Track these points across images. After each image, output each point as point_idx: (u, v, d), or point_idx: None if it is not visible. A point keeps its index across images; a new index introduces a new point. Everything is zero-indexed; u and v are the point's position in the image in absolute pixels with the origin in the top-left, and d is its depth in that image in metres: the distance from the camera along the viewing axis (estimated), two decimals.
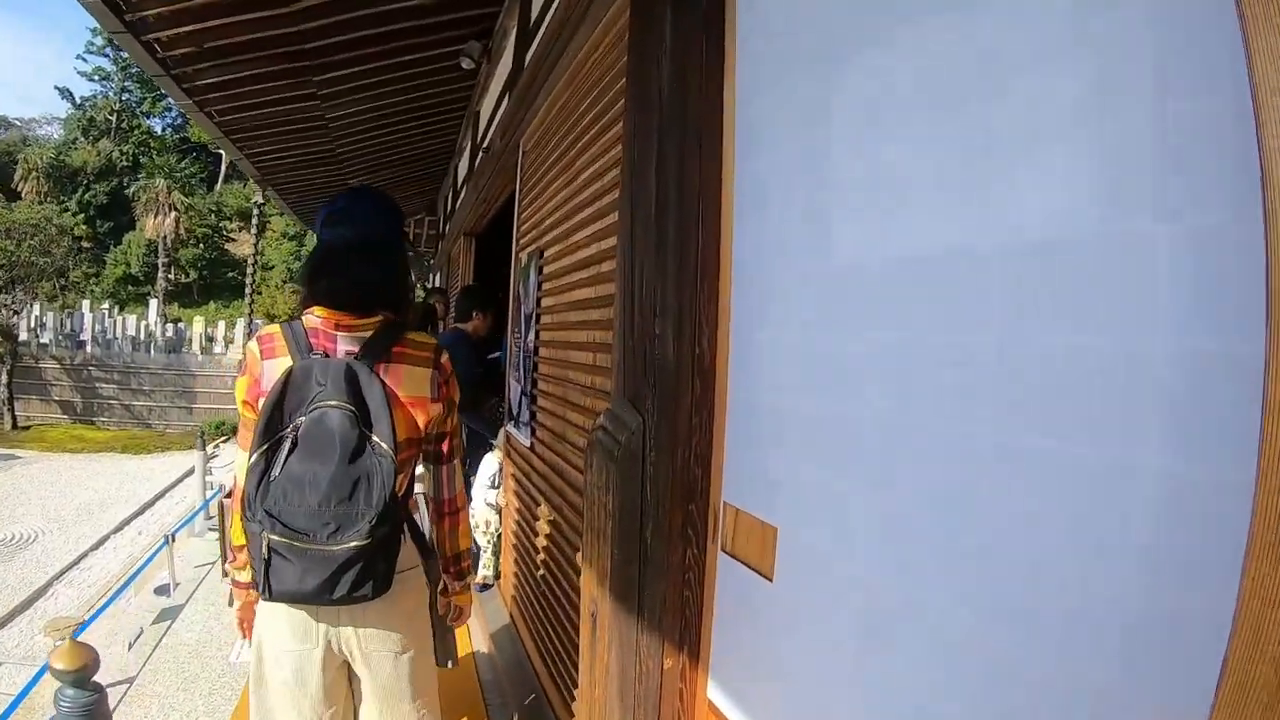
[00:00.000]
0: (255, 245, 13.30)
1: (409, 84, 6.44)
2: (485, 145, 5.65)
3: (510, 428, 4.30)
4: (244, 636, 2.26)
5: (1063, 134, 0.98)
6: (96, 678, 4.81)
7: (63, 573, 8.63)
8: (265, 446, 1.88)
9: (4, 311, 19.84)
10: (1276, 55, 0.70)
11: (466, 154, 7.89)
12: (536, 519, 3.54)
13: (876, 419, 1.33)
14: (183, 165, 44.53)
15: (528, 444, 3.72)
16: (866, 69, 1.37)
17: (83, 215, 42.17)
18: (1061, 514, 0.97)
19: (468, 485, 3.60)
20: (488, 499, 4.76)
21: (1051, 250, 0.99)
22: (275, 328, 2.08)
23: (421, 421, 2.05)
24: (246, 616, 2.23)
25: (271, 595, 1.88)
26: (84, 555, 9.32)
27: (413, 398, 2.03)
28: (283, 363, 1.98)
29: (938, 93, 1.20)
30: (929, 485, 1.20)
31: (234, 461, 2.17)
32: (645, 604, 1.87)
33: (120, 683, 4.69)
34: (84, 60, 59.96)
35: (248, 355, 2.08)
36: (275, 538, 1.82)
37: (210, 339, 25.41)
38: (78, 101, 50.07)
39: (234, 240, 44.35)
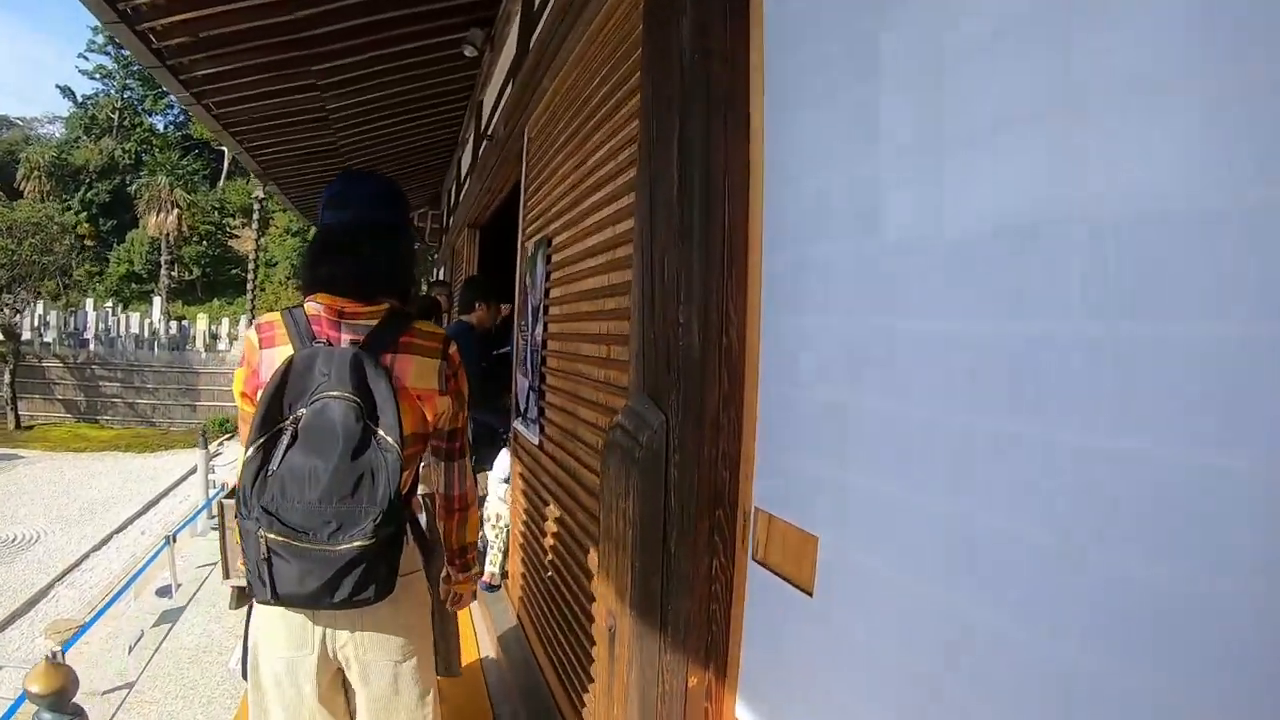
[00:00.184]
0: (257, 241, 13.20)
1: (410, 74, 6.35)
2: (489, 133, 5.49)
3: (518, 424, 4.15)
4: None
5: (1188, 81, 0.81)
6: (96, 684, 4.82)
7: (64, 574, 8.54)
8: (263, 439, 1.78)
9: (6, 311, 19.75)
10: None
11: (470, 145, 7.76)
12: (545, 519, 3.41)
13: (937, 416, 1.17)
14: (185, 162, 44.67)
15: (536, 441, 3.57)
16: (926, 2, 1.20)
17: (85, 214, 42.29)
18: (1161, 525, 0.81)
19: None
20: (499, 493, 4.64)
21: (1159, 225, 0.83)
22: (275, 315, 1.97)
23: (429, 415, 1.96)
24: None
25: (269, 598, 1.77)
26: (86, 556, 9.22)
27: (421, 390, 1.93)
28: (283, 351, 1.88)
29: (1022, 28, 1.03)
30: (999, 491, 1.04)
31: (237, 459, 2.05)
32: (669, 619, 1.72)
33: (120, 688, 4.70)
34: (85, 59, 60.28)
35: (246, 344, 1.98)
36: (273, 536, 1.72)
37: (214, 336, 25.28)
38: (79, 100, 50.20)
39: (237, 237, 44.30)
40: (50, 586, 8.12)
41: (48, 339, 22.18)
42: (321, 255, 1.95)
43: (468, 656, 3.85)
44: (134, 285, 41.06)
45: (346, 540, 1.70)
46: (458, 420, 2.12)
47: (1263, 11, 0.73)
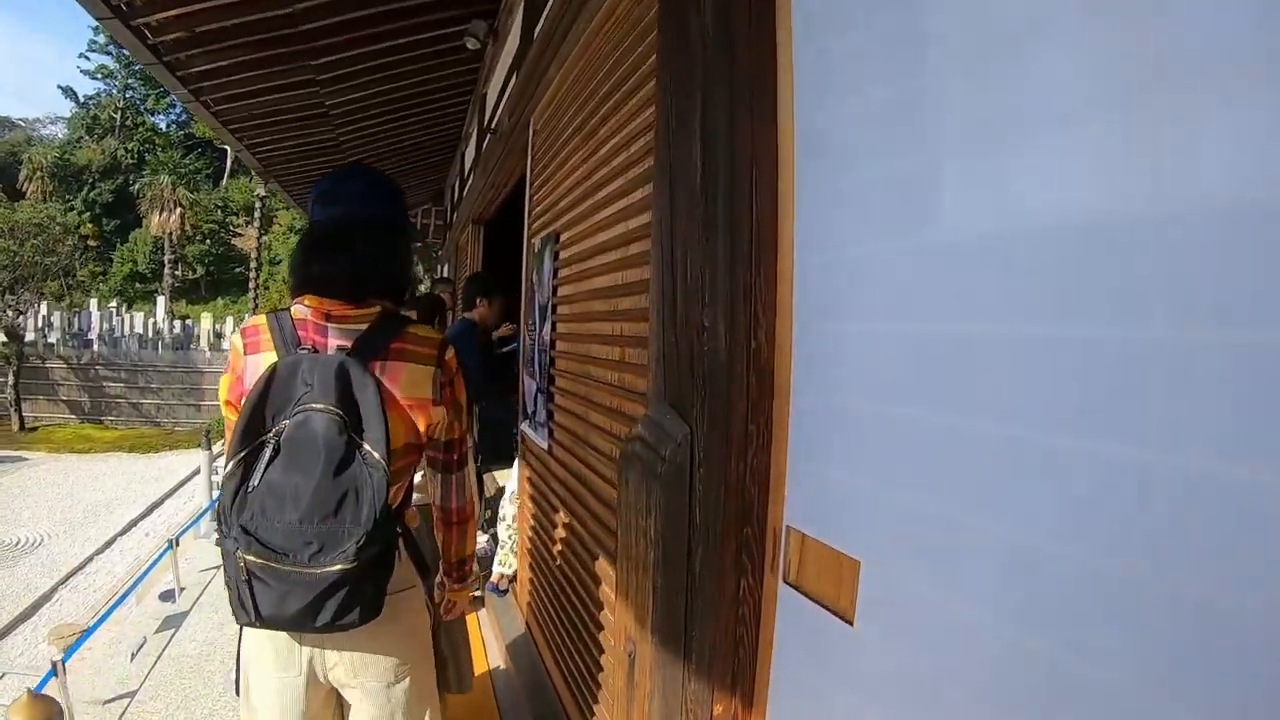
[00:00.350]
0: (259, 239, 13.11)
1: (411, 67, 6.26)
2: (492, 127, 5.36)
3: (526, 427, 4.01)
4: None
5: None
6: (99, 693, 4.72)
7: (68, 578, 8.46)
8: (243, 453, 1.66)
9: (9, 312, 19.69)
10: None
11: (473, 139, 7.66)
12: (554, 526, 3.29)
13: (996, 429, 1.04)
14: (187, 161, 44.71)
15: (545, 446, 3.43)
16: None
17: (88, 214, 42.41)
18: (1246, 554, 0.71)
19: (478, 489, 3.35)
20: (515, 490, 4.51)
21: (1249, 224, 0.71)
22: (261, 318, 1.85)
23: (422, 425, 1.82)
24: None
25: (250, 621, 1.66)
26: (89, 559, 9.15)
27: (412, 399, 1.80)
28: (267, 358, 1.76)
29: (1093, 5, 0.90)
30: (1060, 513, 0.93)
31: None
32: (693, 645, 1.59)
33: (121, 697, 4.57)
34: (86, 58, 60.21)
35: (231, 350, 1.86)
36: (251, 558, 1.60)
37: (219, 335, 25.23)
38: (81, 100, 50.41)
39: (241, 235, 44.26)
40: (54, 591, 8.04)
41: (52, 340, 22.15)
42: (309, 254, 1.82)
43: (477, 667, 3.72)
44: (138, 285, 41.10)
45: (327, 563, 1.59)
46: (454, 430, 1.99)
47: None
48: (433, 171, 10.76)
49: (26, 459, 15.46)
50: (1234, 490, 0.73)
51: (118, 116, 47.73)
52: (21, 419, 18.88)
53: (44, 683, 4.39)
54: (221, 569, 1.72)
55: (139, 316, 25.94)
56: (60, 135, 51.91)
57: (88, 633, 5.62)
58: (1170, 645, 0.79)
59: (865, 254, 1.32)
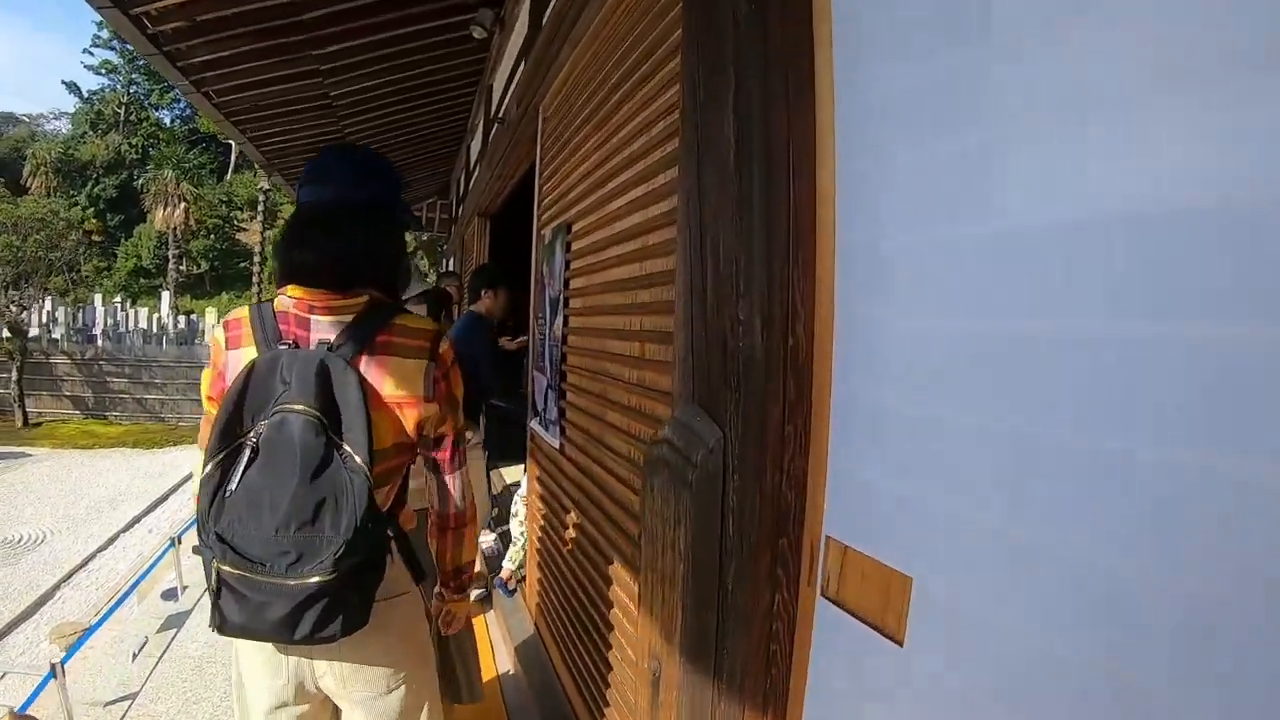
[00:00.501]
0: (263, 234, 13.03)
1: (416, 58, 6.14)
2: (500, 116, 5.24)
3: (535, 425, 3.88)
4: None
5: None
6: (99, 694, 4.65)
7: (70, 575, 8.36)
8: (221, 455, 1.55)
9: (12, 308, 19.61)
10: None
11: (479, 131, 7.55)
12: (566, 527, 3.17)
13: (1065, 435, 0.94)
14: (191, 156, 44.54)
15: (556, 445, 3.30)
16: None
17: (92, 209, 42.31)
18: None
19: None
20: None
21: None
22: (244, 311, 1.73)
23: (411, 424, 1.70)
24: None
25: (228, 632, 1.55)
26: (92, 556, 9.04)
27: (400, 397, 1.67)
28: (248, 354, 1.65)
29: None
30: (1146, 529, 0.82)
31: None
32: (724, 665, 1.48)
33: (122, 699, 4.53)
34: (90, 54, 60.12)
35: (212, 344, 1.75)
36: (227, 568, 1.50)
37: None
38: (85, 95, 50.20)
39: (245, 230, 44.04)
40: (56, 589, 7.95)
41: (56, 335, 22.08)
42: (293, 240, 1.70)
43: (486, 672, 3.62)
44: (142, 280, 41.01)
45: (304, 575, 1.48)
46: (445, 424, 1.82)
47: None
48: (438, 165, 10.64)
49: (30, 455, 15.36)
50: None
51: (122, 112, 47.60)
52: (25, 414, 18.78)
53: (43, 685, 4.35)
54: None
55: (143, 312, 25.87)
56: (64, 131, 51.86)
57: (88, 633, 5.58)
58: (1265, 674, 0.70)
59: (915, 242, 1.21)
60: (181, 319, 25.90)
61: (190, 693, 4.44)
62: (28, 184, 39.37)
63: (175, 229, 38.45)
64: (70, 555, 8.98)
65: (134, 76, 47.84)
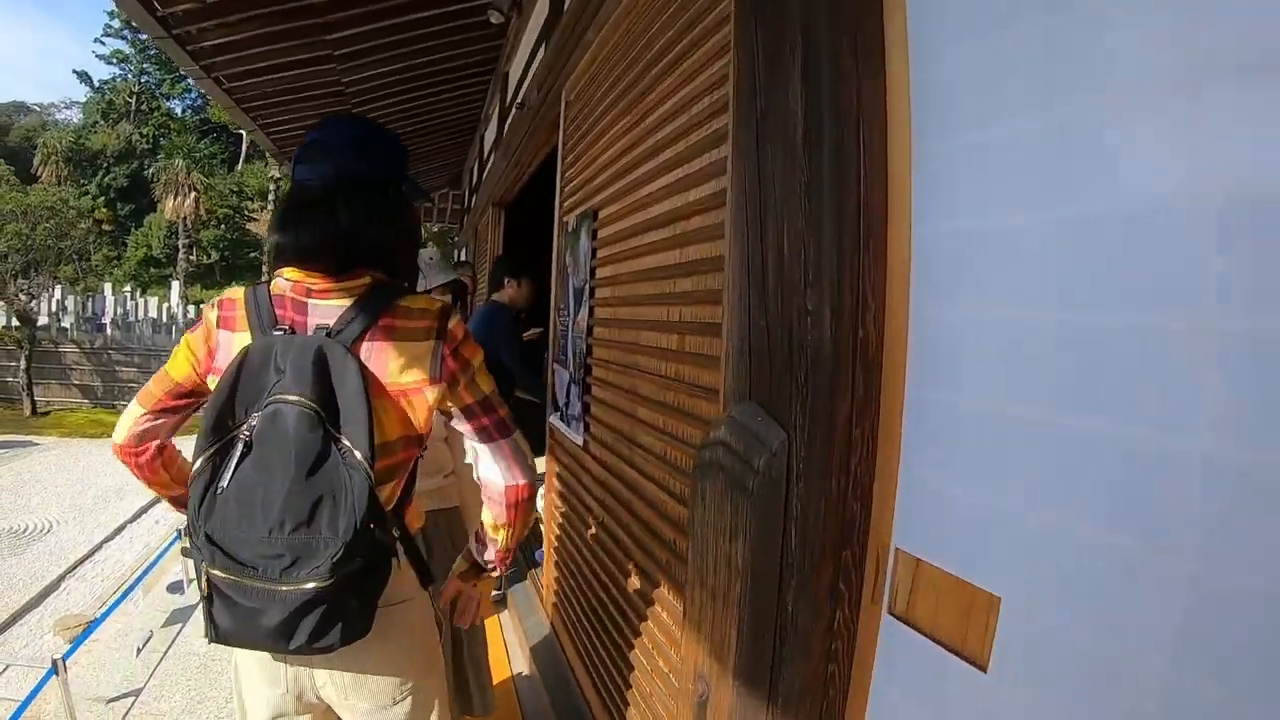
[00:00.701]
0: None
1: (432, 44, 6.02)
2: (519, 102, 5.11)
3: (556, 421, 3.74)
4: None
5: None
6: (103, 690, 4.56)
7: (75, 566, 8.29)
8: (212, 449, 1.42)
9: (21, 296, 19.58)
10: None
11: (494, 119, 7.45)
12: (589, 528, 3.04)
13: (1180, 443, 0.84)
14: (202, 146, 44.71)
15: (579, 442, 3.16)
16: None
17: (103, 198, 42.50)
18: None
19: None
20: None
21: None
22: (239, 292, 1.59)
23: (421, 414, 1.55)
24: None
25: (220, 640, 1.43)
26: (98, 547, 8.97)
27: (406, 384, 1.53)
28: (240, 338, 1.53)
29: None
30: (1272, 545, 0.74)
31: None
32: (780, 689, 1.36)
33: (126, 695, 4.43)
34: (102, 43, 60.31)
35: (203, 321, 1.61)
36: (217, 573, 1.37)
37: None
38: (96, 85, 50.34)
39: (256, 220, 44.20)
40: (61, 580, 7.88)
41: (65, 324, 22.10)
42: (289, 218, 1.55)
43: (498, 674, 3.51)
44: (152, 269, 41.11)
45: (299, 580, 1.35)
46: (469, 394, 1.62)
47: None
48: (450, 155, 10.53)
49: (37, 444, 15.32)
50: None
51: (133, 101, 47.73)
52: (33, 403, 18.77)
53: (44, 681, 4.26)
54: None
55: (153, 301, 25.91)
56: (75, 120, 52.09)
57: (91, 627, 5.51)
58: None
59: (999, 227, 1.10)
60: (191, 309, 25.94)
61: (195, 691, 4.34)
62: (38, 173, 39.46)
63: (186, 218, 38.48)
64: (76, 546, 8.91)
65: (145, 66, 48.02)
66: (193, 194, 38.36)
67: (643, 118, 2.43)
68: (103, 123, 47.08)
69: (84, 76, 51.10)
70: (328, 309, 1.52)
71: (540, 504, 4.26)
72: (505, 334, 4.64)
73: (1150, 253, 0.86)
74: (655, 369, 2.28)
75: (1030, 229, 1.04)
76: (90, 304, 24.23)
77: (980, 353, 1.13)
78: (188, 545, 1.47)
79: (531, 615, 4.12)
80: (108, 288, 26.52)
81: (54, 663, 4.09)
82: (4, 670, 5.24)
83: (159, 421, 1.65)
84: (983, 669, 1.10)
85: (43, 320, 21.12)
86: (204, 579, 1.40)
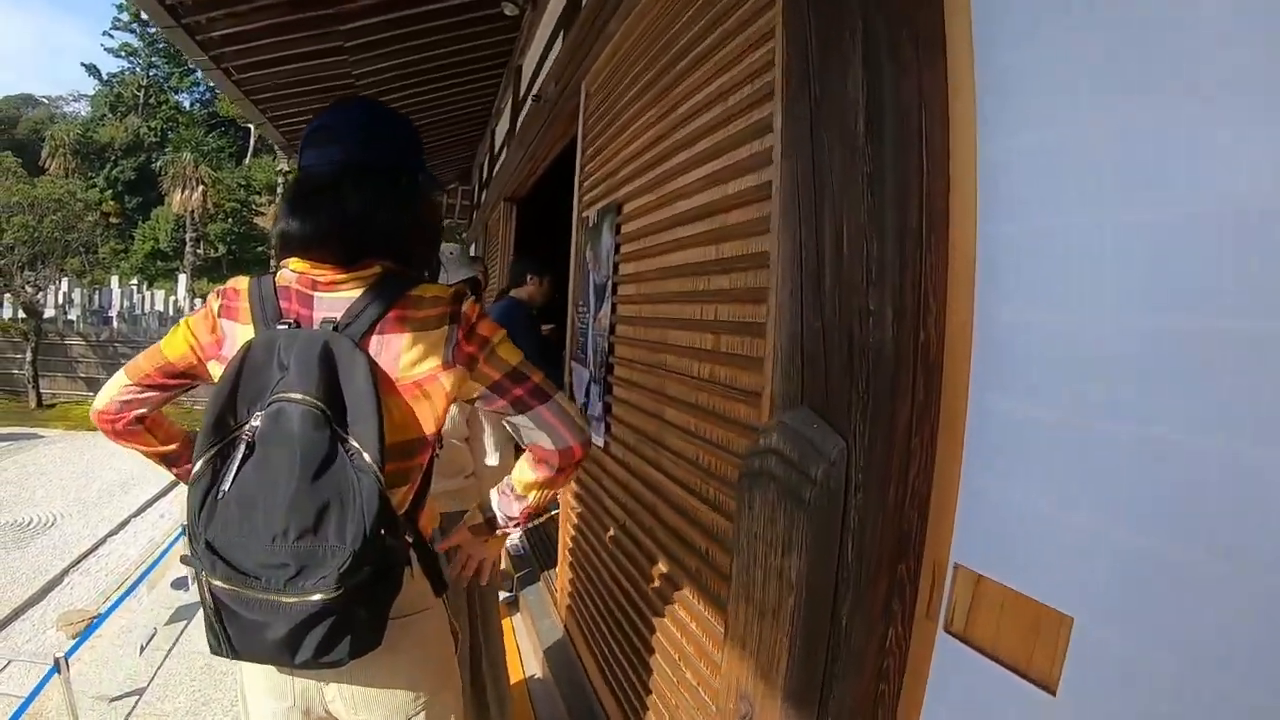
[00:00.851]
0: None
1: (445, 36, 5.96)
2: (536, 94, 5.04)
3: None
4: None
5: None
6: (106, 688, 4.51)
7: (79, 560, 8.25)
8: (213, 451, 1.33)
9: (28, 289, 19.59)
10: None
11: (507, 113, 7.40)
12: (607, 530, 2.97)
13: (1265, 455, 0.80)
14: (210, 139, 44.73)
15: (600, 442, 3.08)
16: None
17: (110, 191, 42.52)
18: None
19: None
20: None
21: None
22: (243, 282, 1.50)
23: (437, 405, 1.44)
24: None
25: (216, 650, 1.36)
26: (102, 541, 8.93)
27: (419, 377, 1.42)
28: (243, 331, 1.45)
29: None
30: None
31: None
32: (830, 708, 1.29)
33: (129, 694, 4.38)
34: (110, 36, 60.35)
35: (204, 309, 1.54)
36: (218, 583, 1.28)
37: None
38: (105, 78, 50.41)
39: (263, 214, 44.16)
40: (64, 574, 7.84)
41: (71, 317, 22.11)
42: (295, 207, 1.46)
43: (512, 678, 3.44)
44: (159, 263, 41.12)
45: (305, 591, 1.26)
46: (499, 360, 1.50)
47: None
48: (462, 148, 10.49)
49: (42, 436, 15.31)
50: None
51: (141, 94, 47.76)
52: (39, 395, 18.79)
53: (46, 679, 4.22)
54: None
55: (159, 294, 25.93)
56: (83, 113, 52.11)
57: (99, 620, 5.48)
58: None
59: (1071, 226, 1.04)
60: (198, 302, 25.92)
61: (199, 692, 4.28)
62: (46, 165, 39.49)
63: (193, 212, 38.53)
64: (80, 539, 8.89)
65: (153, 59, 48.09)
66: (200, 187, 38.38)
67: (672, 109, 2.35)
68: (110, 116, 47.14)
69: (92, 70, 51.23)
70: (334, 301, 1.43)
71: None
72: (524, 331, 4.48)
73: (1230, 256, 0.82)
74: (686, 369, 2.19)
75: (1104, 230, 0.99)
76: (97, 297, 24.27)
77: (1050, 358, 1.07)
78: (187, 553, 1.37)
79: (545, 618, 4.06)
80: (114, 281, 26.54)
81: (56, 661, 4.04)
82: (6, 666, 5.20)
83: (143, 395, 1.58)
84: (1051, 691, 1.05)
85: (49, 313, 21.16)
86: (205, 590, 1.32)
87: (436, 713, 1.60)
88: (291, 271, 1.44)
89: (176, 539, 6.58)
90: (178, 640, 5.02)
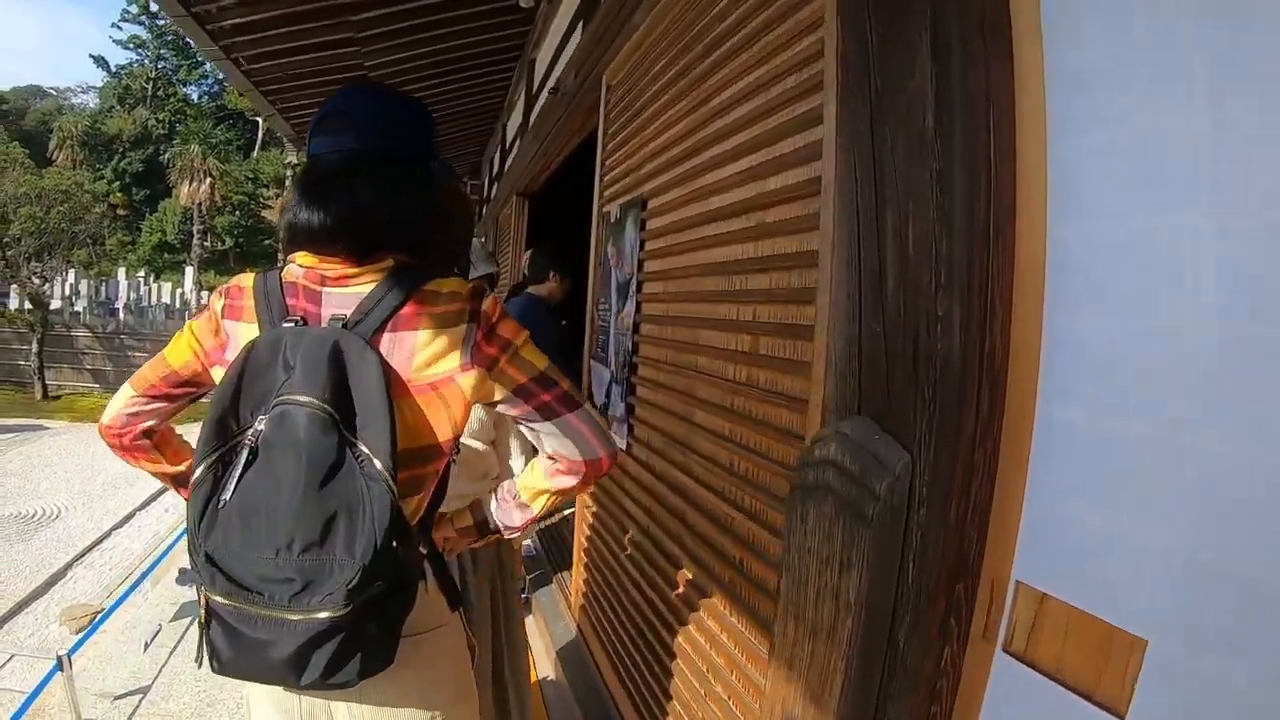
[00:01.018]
0: None
1: (458, 28, 5.93)
2: (554, 87, 4.97)
3: None
4: None
5: None
6: (110, 685, 4.47)
7: (83, 554, 8.23)
8: (214, 456, 1.25)
9: (34, 280, 19.62)
10: None
11: (519, 107, 7.34)
12: (627, 533, 2.91)
13: None
14: (218, 132, 44.83)
15: (622, 445, 2.98)
16: None
17: (118, 183, 42.74)
18: None
19: None
20: None
21: None
22: (248, 279, 1.43)
23: (454, 410, 1.35)
24: None
25: (215, 668, 1.26)
26: (107, 534, 8.91)
27: (432, 377, 1.33)
28: (247, 330, 1.37)
29: None
30: None
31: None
32: None
33: (133, 693, 4.33)
34: (119, 28, 60.23)
35: (209, 310, 1.46)
36: (218, 598, 1.20)
37: None
38: (113, 70, 50.53)
39: (271, 207, 44.21)
40: (68, 567, 7.82)
41: (78, 308, 22.16)
42: (304, 196, 1.37)
43: None
44: (166, 255, 41.27)
45: (311, 608, 1.18)
46: (524, 363, 1.41)
47: None
48: (471, 144, 10.50)
49: (48, 428, 15.32)
50: None
51: (149, 87, 47.88)
52: (44, 387, 18.84)
53: (49, 677, 4.19)
54: None
55: (166, 287, 26.00)
56: (91, 105, 52.29)
57: (104, 616, 5.43)
58: None
59: (1150, 229, 0.98)
60: (205, 294, 25.98)
61: (204, 693, 4.22)
62: (54, 157, 39.63)
63: (200, 204, 38.64)
64: (85, 532, 8.89)
65: (162, 52, 48.23)
66: (208, 180, 38.48)
67: (704, 101, 2.28)
68: (119, 108, 47.27)
69: (100, 61, 51.30)
70: (344, 297, 1.34)
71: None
72: (545, 330, 4.20)
73: None
74: (719, 371, 2.12)
75: (1187, 234, 0.93)
76: (104, 288, 24.33)
77: (1122, 368, 1.01)
78: (185, 565, 1.28)
79: (558, 620, 4.00)
80: (121, 272, 26.61)
81: (59, 659, 4.01)
82: (8, 661, 5.18)
83: (150, 407, 1.50)
84: (1120, 716, 0.99)
85: (56, 304, 21.22)
86: (202, 606, 1.25)
87: None
88: (299, 266, 1.36)
89: (182, 534, 6.55)
90: (182, 637, 4.97)
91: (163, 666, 4.59)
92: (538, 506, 1.54)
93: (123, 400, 1.50)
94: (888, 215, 1.20)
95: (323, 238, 1.34)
